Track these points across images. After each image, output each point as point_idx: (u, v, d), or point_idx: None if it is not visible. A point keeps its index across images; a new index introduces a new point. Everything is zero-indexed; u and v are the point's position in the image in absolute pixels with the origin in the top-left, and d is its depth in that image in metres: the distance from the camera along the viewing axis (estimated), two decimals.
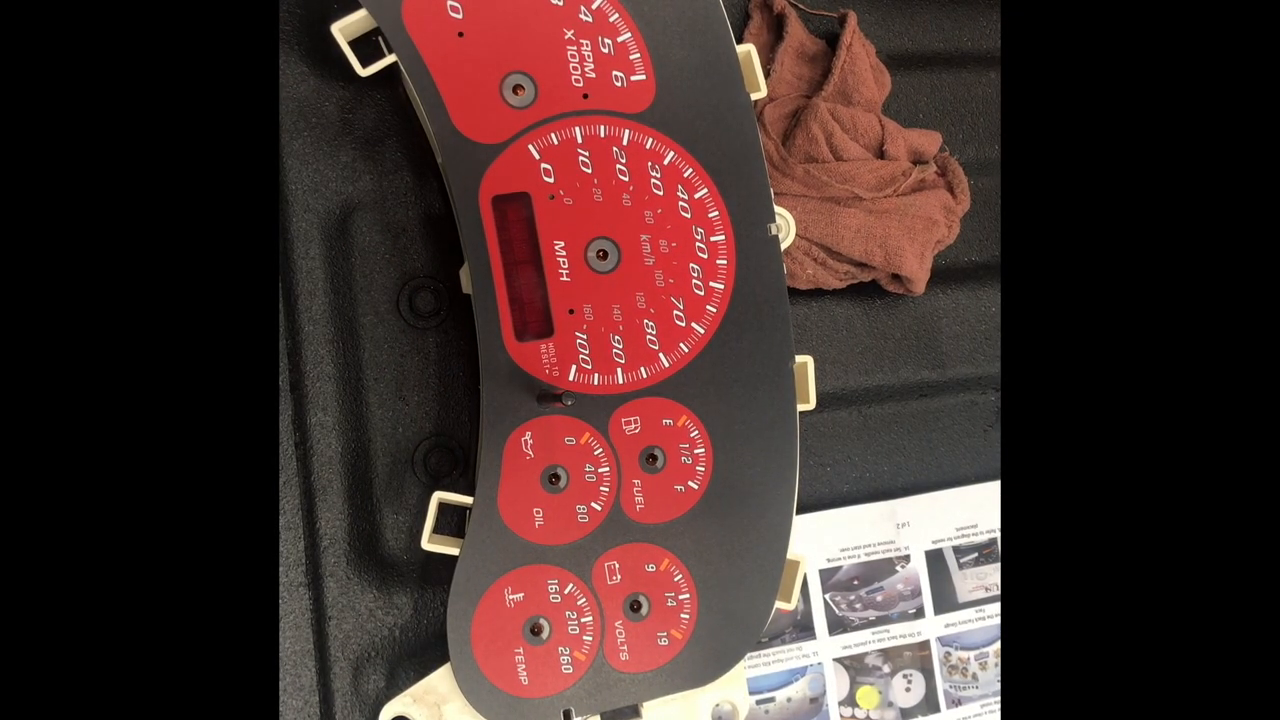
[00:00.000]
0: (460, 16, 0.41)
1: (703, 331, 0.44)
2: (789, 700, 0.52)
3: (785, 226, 0.46)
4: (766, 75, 0.51)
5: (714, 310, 0.44)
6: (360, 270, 0.47)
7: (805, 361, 0.45)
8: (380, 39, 0.41)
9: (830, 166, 0.50)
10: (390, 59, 0.41)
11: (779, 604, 0.45)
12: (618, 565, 0.43)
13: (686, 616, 0.44)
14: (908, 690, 0.54)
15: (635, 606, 0.44)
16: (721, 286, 0.44)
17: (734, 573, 0.44)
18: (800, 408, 0.45)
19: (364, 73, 0.40)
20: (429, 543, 0.43)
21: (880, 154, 0.51)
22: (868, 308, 0.55)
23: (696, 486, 0.44)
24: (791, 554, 0.45)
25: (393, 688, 0.46)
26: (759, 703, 0.52)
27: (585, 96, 0.42)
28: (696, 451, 0.44)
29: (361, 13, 0.40)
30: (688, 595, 0.44)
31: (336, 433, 0.47)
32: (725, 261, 0.44)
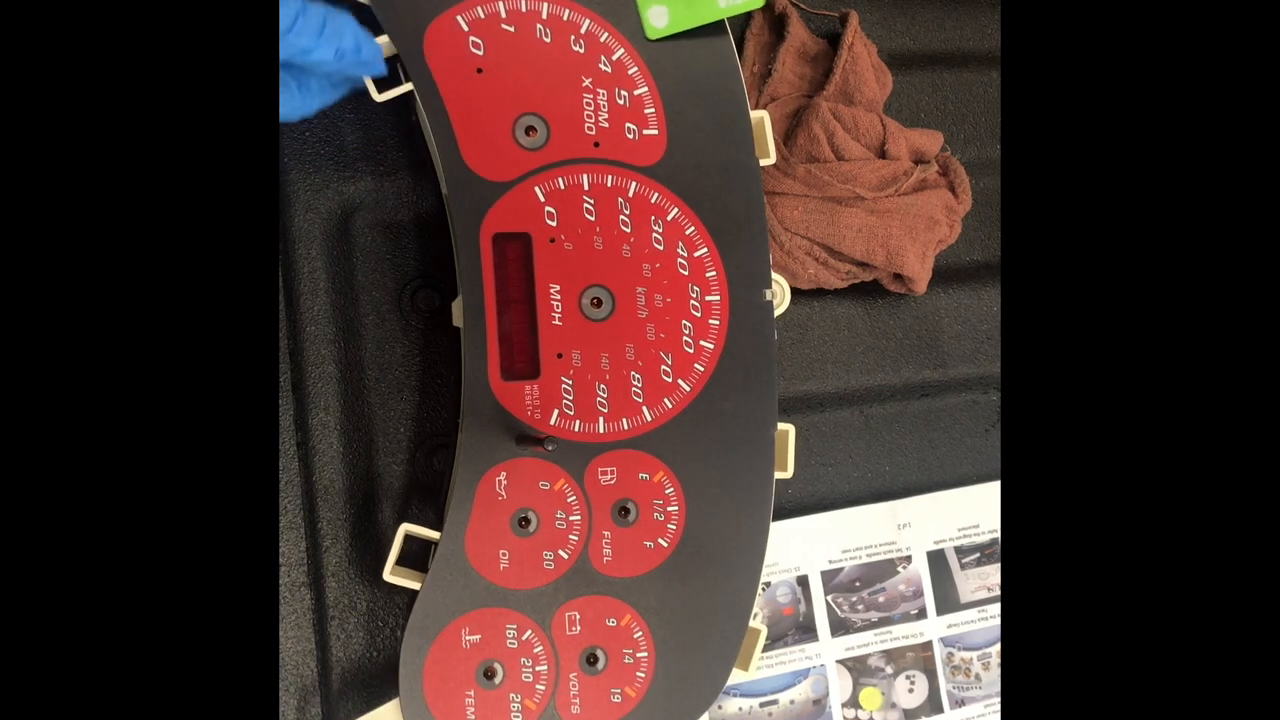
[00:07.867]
0: (481, 53, 0.41)
1: (688, 389, 0.44)
2: (792, 702, 0.51)
3: (780, 293, 0.46)
4: (768, 75, 0.51)
5: (702, 369, 0.44)
6: (361, 270, 0.47)
7: (786, 430, 0.45)
8: (399, 66, 0.41)
9: (832, 166, 0.50)
10: (406, 87, 0.41)
11: (736, 671, 0.44)
12: (579, 616, 0.43)
13: (642, 675, 0.43)
14: (911, 691, 0.53)
15: (592, 660, 0.43)
16: (712, 346, 0.44)
17: (694, 635, 0.44)
18: (778, 475, 0.45)
19: (379, 98, 0.40)
20: (391, 574, 0.42)
21: (882, 153, 0.51)
22: (869, 307, 0.54)
23: (666, 544, 0.44)
24: (753, 623, 0.45)
25: (395, 690, 0.45)
26: (762, 705, 0.51)
27: (596, 145, 0.43)
28: (669, 509, 0.44)
29: (383, 38, 0.41)
30: (646, 654, 0.43)
31: (338, 432, 0.47)
32: (718, 322, 0.44)
